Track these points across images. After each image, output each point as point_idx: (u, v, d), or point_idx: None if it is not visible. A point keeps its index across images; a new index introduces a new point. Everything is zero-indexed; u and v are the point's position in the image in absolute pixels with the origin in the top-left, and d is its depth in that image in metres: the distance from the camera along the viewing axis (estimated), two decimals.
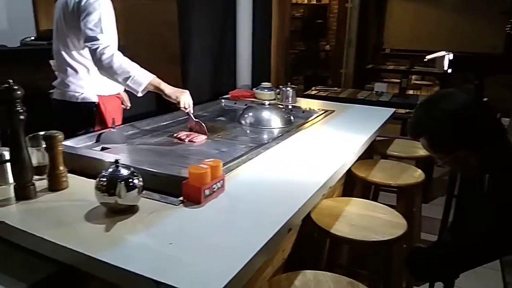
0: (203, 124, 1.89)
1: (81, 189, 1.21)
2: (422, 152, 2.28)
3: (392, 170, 2.07)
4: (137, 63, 1.77)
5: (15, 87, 1.06)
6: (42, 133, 1.23)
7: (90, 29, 1.70)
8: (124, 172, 1.07)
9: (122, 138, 1.76)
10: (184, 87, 2.79)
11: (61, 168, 1.19)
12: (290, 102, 2.54)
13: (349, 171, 1.84)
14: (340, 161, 1.52)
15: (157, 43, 2.92)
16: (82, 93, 1.87)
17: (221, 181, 1.22)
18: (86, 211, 1.08)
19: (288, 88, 2.56)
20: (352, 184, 2.11)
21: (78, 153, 1.40)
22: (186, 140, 1.81)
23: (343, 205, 1.59)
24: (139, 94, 1.77)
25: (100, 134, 1.72)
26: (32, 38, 3.08)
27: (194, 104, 1.95)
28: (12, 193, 1.15)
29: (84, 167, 1.34)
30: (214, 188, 1.18)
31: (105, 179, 1.04)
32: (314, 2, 7.71)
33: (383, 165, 2.14)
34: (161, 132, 1.95)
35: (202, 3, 2.72)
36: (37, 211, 1.08)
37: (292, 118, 2.18)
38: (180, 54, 2.81)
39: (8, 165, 1.21)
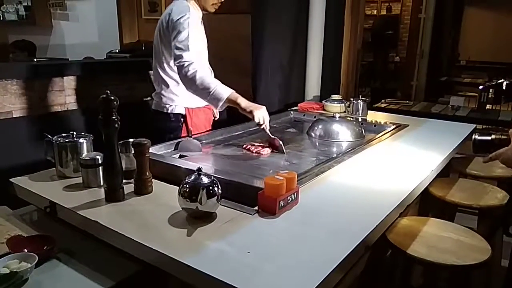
0: (280, 143, 1.83)
1: (164, 194, 1.28)
2: (504, 171, 2.11)
3: (472, 190, 1.94)
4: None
5: (112, 98, 1.16)
6: (131, 140, 1.32)
7: (178, 47, 1.84)
8: (205, 180, 1.12)
9: (197, 147, 1.84)
10: (254, 99, 2.89)
11: (147, 173, 1.27)
12: (360, 115, 2.49)
13: (425, 189, 1.76)
14: (417, 178, 1.46)
15: (229, 56, 3.02)
16: (171, 105, 2.02)
17: (296, 193, 1.23)
18: (169, 215, 1.14)
19: (359, 101, 2.52)
20: (427, 203, 2.01)
21: (162, 160, 1.49)
22: (254, 151, 1.84)
23: (420, 225, 1.51)
24: (219, 109, 1.87)
25: (178, 142, 1.81)
26: (116, 51, 3.34)
27: None
28: (102, 195, 1.26)
29: (167, 173, 1.42)
30: (288, 199, 1.19)
31: (188, 186, 1.10)
32: (384, 13, 7.52)
33: (462, 184, 2.02)
34: (232, 143, 2.01)
35: (276, 17, 2.78)
36: (125, 213, 1.16)
37: (363, 131, 2.13)
38: (251, 67, 2.89)
39: (100, 168, 1.33)
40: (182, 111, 2.03)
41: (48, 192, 1.28)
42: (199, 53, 1.94)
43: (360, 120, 2.38)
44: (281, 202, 1.16)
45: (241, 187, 1.29)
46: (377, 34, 7.49)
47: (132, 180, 1.29)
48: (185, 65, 1.80)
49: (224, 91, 1.81)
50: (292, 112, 2.66)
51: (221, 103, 1.81)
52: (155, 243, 0.99)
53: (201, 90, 1.80)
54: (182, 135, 2.02)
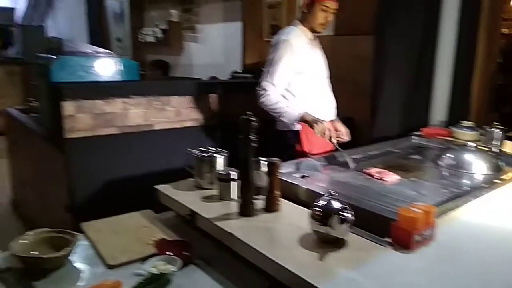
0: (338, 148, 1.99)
1: (292, 213, 1.31)
2: None
3: None
4: None
5: (252, 119, 1.23)
6: (263, 158, 1.39)
7: (263, 71, 2.11)
8: (337, 204, 1.12)
9: (317, 168, 1.85)
10: (372, 120, 2.81)
11: (277, 192, 1.32)
12: (496, 145, 2.24)
13: None
14: None
15: (348, 77, 3.00)
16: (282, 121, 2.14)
17: (432, 228, 1.15)
18: (298, 236, 1.16)
19: (495, 129, 2.27)
20: None
21: (287, 180, 1.52)
22: (377, 177, 1.78)
23: None
24: (293, 128, 2.11)
25: (299, 162, 1.84)
26: (240, 71, 3.56)
27: (383, 138, 1.97)
28: (234, 209, 1.33)
29: (290, 192, 1.45)
30: (425, 234, 1.12)
31: (320, 209, 1.11)
32: None
33: None
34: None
35: (400, 38, 2.68)
36: (257, 228, 1.22)
37: (502, 164, 1.92)
38: (371, 88, 2.82)
39: (232, 183, 1.41)
40: (297, 127, 2.12)
41: (188, 201, 1.40)
42: (301, 74, 2.12)
43: (496, 151, 2.15)
44: (417, 236, 1.10)
45: (370, 215, 1.25)
46: (509, 54, 6.71)
47: (259, 196, 1.35)
48: (259, 90, 2.08)
49: (293, 115, 2.04)
50: (414, 137, 2.51)
51: (292, 125, 2.09)
52: (287, 262, 1.01)
53: (273, 114, 2.08)
54: (297, 151, 2.11)
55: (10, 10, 8.74)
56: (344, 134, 2.14)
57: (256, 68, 3.52)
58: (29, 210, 3.01)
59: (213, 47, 4.27)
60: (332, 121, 2.21)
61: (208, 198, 1.44)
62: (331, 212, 1.09)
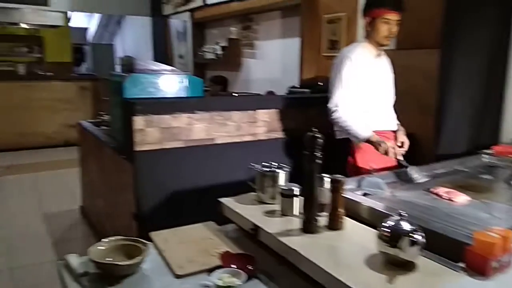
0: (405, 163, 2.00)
1: (356, 232, 1.29)
2: None
3: None
4: None
5: (318, 136, 1.24)
6: (326, 175, 1.38)
7: (330, 88, 2.20)
8: (406, 225, 1.08)
9: (380, 186, 1.80)
10: (436, 137, 2.69)
11: (341, 210, 1.30)
12: None
13: None
14: None
15: (411, 92, 2.90)
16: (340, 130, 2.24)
17: (510, 254, 1.08)
18: (363, 256, 1.13)
19: None
20: None
21: (352, 198, 1.50)
22: (445, 198, 1.69)
23: None
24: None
25: (361, 179, 1.81)
26: (297, 86, 3.58)
27: (448, 156, 1.93)
28: (297, 225, 1.33)
29: (353, 210, 1.43)
30: (502, 260, 1.06)
31: (388, 230, 1.08)
32: None
33: None
34: (415, 185, 1.89)
35: (469, 52, 2.56)
36: (322, 246, 1.21)
37: None
38: (435, 103, 2.71)
39: (295, 199, 1.42)
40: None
41: (251, 215, 1.43)
42: (366, 89, 2.17)
43: None
44: (494, 262, 1.03)
45: (441, 238, 1.19)
46: None
47: (322, 213, 1.34)
48: (330, 107, 2.17)
49: (359, 135, 2.12)
50: (484, 155, 2.37)
51: (358, 141, 2.15)
52: (355, 283, 0.99)
53: (343, 131, 2.17)
54: (349, 162, 2.20)
55: (84, 30, 9.50)
56: (406, 145, 2.22)
57: (313, 83, 3.53)
58: (96, 216, 3.21)
59: (270, 63, 4.34)
60: (396, 131, 2.29)
61: (270, 213, 1.45)
62: (401, 233, 1.05)
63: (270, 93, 4.05)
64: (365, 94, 2.19)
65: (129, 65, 2.40)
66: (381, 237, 1.09)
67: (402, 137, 2.26)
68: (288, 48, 4.06)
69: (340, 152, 2.21)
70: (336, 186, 1.29)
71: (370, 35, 2.18)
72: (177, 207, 2.20)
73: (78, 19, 8.69)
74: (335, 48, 3.57)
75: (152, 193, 2.14)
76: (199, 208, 1.82)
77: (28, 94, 6.30)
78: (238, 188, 1.66)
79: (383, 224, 1.11)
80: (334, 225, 1.31)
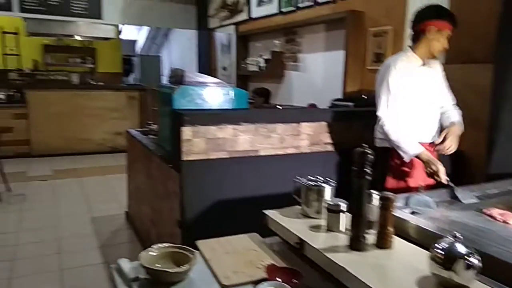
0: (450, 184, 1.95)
1: (405, 252, 1.25)
2: None
3: None
4: None
5: (368, 152, 1.22)
6: (375, 192, 1.36)
7: (377, 102, 2.20)
8: (461, 248, 1.04)
9: (429, 204, 1.74)
10: (488, 155, 2.58)
11: (390, 228, 1.27)
12: None
13: None
14: None
15: (461, 107, 2.81)
16: (382, 139, 2.24)
17: None
18: (414, 277, 1.10)
19: None
20: None
21: (399, 216, 1.47)
22: (500, 220, 1.61)
23: None
24: (406, 160, 2.13)
25: (409, 197, 1.76)
26: (340, 98, 3.55)
27: (501, 175, 1.85)
28: (343, 241, 1.32)
29: (401, 229, 1.39)
30: None
31: (442, 252, 1.04)
32: None
33: None
34: (466, 205, 1.82)
35: None
36: (370, 265, 1.18)
37: None
38: (487, 119, 2.61)
39: (342, 215, 1.40)
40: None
41: (296, 228, 1.42)
42: (411, 99, 2.17)
43: None
44: None
45: (497, 262, 1.14)
46: None
47: (370, 231, 1.31)
48: (379, 120, 2.18)
49: (409, 150, 2.10)
50: None
51: (406, 158, 2.13)
52: None
53: (392, 144, 2.15)
54: (391, 173, 2.22)
55: (133, 42, 9.95)
56: (452, 149, 2.16)
57: (357, 96, 3.49)
58: (141, 222, 3.31)
59: (313, 75, 4.34)
60: (448, 132, 2.19)
61: (315, 228, 1.44)
62: (456, 256, 1.02)
63: (312, 105, 4.04)
64: (410, 102, 2.18)
65: (178, 77, 2.49)
66: (434, 258, 1.05)
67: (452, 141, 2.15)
68: (332, 61, 4.04)
69: (378, 162, 2.16)
70: (386, 204, 1.27)
71: (419, 45, 2.15)
72: (220, 216, 2.23)
73: (128, 32, 9.13)
74: (380, 61, 3.51)
75: (196, 202, 2.19)
76: (241, 218, 1.85)
77: (80, 102, 6.66)
78: (280, 201, 1.67)
79: (436, 245, 1.07)
80: (382, 243, 1.28)
